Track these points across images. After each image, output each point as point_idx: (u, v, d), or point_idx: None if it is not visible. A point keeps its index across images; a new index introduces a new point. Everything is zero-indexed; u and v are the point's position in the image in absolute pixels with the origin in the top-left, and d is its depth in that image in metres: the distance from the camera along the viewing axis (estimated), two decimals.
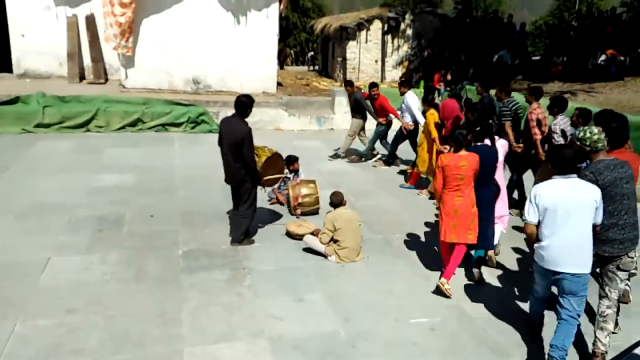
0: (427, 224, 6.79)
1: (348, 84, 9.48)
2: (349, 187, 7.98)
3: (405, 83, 8.85)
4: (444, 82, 14.15)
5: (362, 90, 9.80)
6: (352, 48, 18.25)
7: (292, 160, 7.25)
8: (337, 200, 5.63)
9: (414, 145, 8.67)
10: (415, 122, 8.63)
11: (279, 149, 6.20)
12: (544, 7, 35.70)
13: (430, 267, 5.58)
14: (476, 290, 5.13)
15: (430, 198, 7.65)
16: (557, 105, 6.22)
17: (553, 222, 3.80)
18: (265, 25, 12.96)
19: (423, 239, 6.32)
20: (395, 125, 9.20)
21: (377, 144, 9.48)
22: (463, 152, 4.93)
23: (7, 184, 7.33)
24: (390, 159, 9.28)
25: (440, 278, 4.99)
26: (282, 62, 22.20)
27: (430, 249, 6.02)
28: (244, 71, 12.87)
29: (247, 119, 5.62)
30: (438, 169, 4.93)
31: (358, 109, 9.26)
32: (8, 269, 5.01)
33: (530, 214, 3.88)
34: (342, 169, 9.16)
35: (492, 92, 7.75)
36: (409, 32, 18.43)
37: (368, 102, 9.14)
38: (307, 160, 9.10)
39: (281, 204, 7.08)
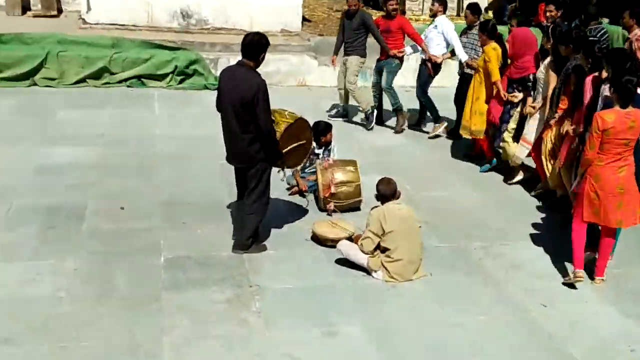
0: (521, 227, 6.76)
1: None
2: (404, 170, 7.99)
3: (443, 1, 9.31)
4: (552, 19, 13.82)
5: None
6: None
7: (323, 130, 7.31)
8: (387, 191, 5.67)
9: (460, 98, 8.95)
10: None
11: (303, 114, 6.26)
12: None
13: (524, 290, 5.56)
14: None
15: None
16: None
17: None
18: None
19: (515, 250, 6.30)
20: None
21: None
22: (630, 108, 5.31)
23: None
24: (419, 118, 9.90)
25: (595, 277, 5.78)
26: None
27: (525, 265, 6.00)
28: (253, 23, 12.84)
29: (259, 69, 5.70)
30: (596, 133, 5.29)
31: (360, 38, 9.43)
32: None
33: None
34: (394, 144, 9.18)
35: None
36: None
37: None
38: (343, 130, 9.18)
39: (304, 194, 7.15)
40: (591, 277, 5.81)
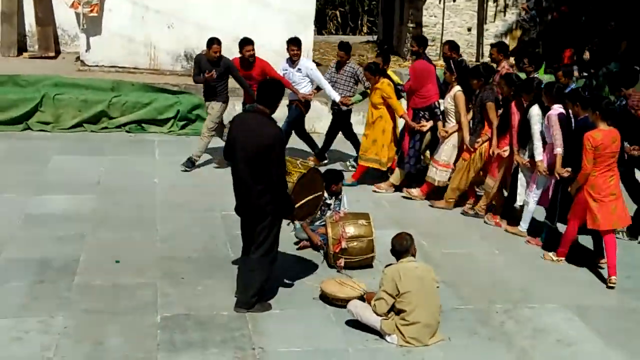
0: (545, 288, 6.71)
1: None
2: (420, 225, 7.98)
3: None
4: (578, 64, 13.96)
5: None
6: (431, 8, 18.31)
7: (334, 178, 7.33)
8: (401, 247, 5.65)
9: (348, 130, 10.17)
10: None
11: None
12: None
13: (551, 359, 5.48)
14: None
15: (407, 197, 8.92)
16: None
17: None
18: None
19: (541, 314, 6.22)
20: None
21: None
22: (610, 127, 6.74)
23: None
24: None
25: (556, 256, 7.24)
26: (320, 29, 22.48)
27: (551, 330, 5.93)
28: (264, 41, 13.06)
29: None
30: (590, 150, 6.66)
31: (222, 84, 9.52)
32: None
33: None
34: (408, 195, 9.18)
35: None
36: None
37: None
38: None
39: (316, 248, 7.15)
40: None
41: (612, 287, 6.73)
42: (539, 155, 7.55)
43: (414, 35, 9.95)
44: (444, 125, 8.70)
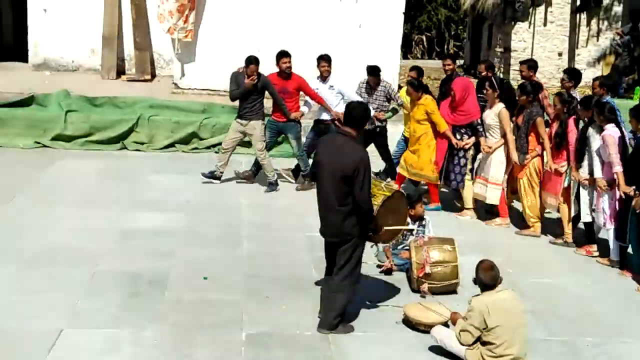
0: None
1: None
2: (507, 251, 7.87)
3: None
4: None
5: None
6: (520, 33, 18.11)
7: (413, 202, 7.33)
8: (489, 280, 5.42)
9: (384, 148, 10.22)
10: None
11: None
12: None
13: None
14: None
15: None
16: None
17: None
18: None
19: (635, 350, 5.98)
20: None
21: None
22: None
23: (12, 220, 8.15)
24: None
25: None
26: (406, 53, 22.55)
27: None
28: (351, 65, 13.24)
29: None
30: None
31: (260, 101, 9.60)
32: (5, 341, 5.48)
33: None
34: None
35: None
36: (618, 8, 17.90)
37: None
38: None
39: (391, 272, 7.12)
40: None
41: None
42: (599, 171, 7.62)
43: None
44: (485, 142, 8.84)
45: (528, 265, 7.68)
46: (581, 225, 8.29)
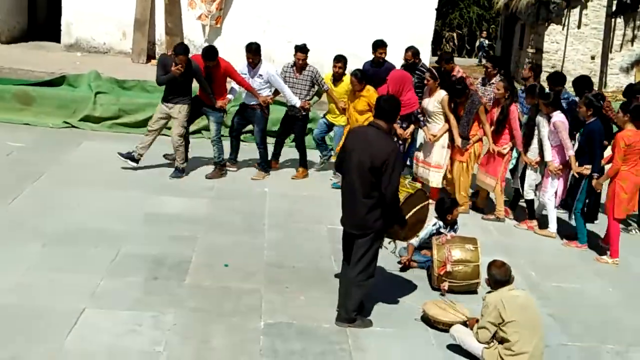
0: None
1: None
2: (531, 254, 7.81)
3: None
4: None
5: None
6: (553, 35, 17.91)
7: (449, 208, 7.18)
8: (501, 276, 5.48)
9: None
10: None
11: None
12: None
13: None
14: None
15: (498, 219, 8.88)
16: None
17: None
18: None
19: None
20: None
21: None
22: (636, 128, 7.63)
23: (38, 198, 8.22)
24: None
25: (611, 258, 7.77)
26: (435, 50, 22.42)
27: None
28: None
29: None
30: (622, 148, 7.59)
31: (183, 84, 9.24)
32: (28, 318, 5.58)
33: None
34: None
35: None
36: None
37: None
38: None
39: (404, 268, 7.09)
40: None
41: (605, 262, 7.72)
42: (548, 155, 8.24)
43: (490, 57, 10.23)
44: (428, 129, 9.12)
45: (551, 269, 7.60)
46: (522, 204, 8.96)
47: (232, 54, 13.24)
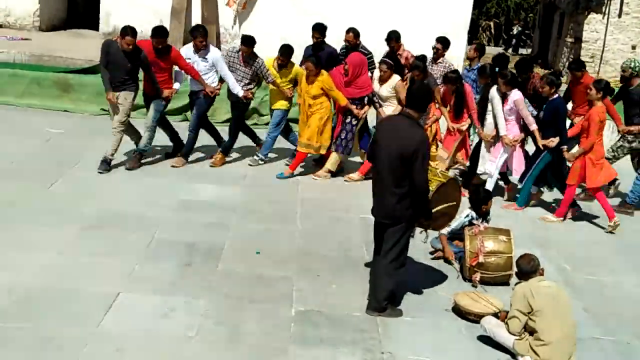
0: None
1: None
2: (565, 247, 7.73)
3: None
4: None
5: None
6: (593, 24, 17.58)
7: (484, 198, 7.07)
8: (529, 268, 5.46)
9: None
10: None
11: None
12: None
13: None
14: None
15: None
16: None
17: None
18: None
19: None
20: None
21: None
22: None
23: (74, 184, 8.35)
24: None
25: (556, 217, 8.48)
26: (471, 39, 22.21)
27: None
28: (416, 48, 13.09)
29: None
30: (600, 123, 8.22)
31: (130, 72, 8.95)
32: (64, 300, 5.68)
33: None
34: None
35: None
36: None
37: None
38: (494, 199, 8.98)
39: (450, 262, 7.05)
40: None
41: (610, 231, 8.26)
42: (504, 130, 8.71)
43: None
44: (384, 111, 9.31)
45: (585, 262, 7.49)
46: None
47: (265, 42, 13.35)
